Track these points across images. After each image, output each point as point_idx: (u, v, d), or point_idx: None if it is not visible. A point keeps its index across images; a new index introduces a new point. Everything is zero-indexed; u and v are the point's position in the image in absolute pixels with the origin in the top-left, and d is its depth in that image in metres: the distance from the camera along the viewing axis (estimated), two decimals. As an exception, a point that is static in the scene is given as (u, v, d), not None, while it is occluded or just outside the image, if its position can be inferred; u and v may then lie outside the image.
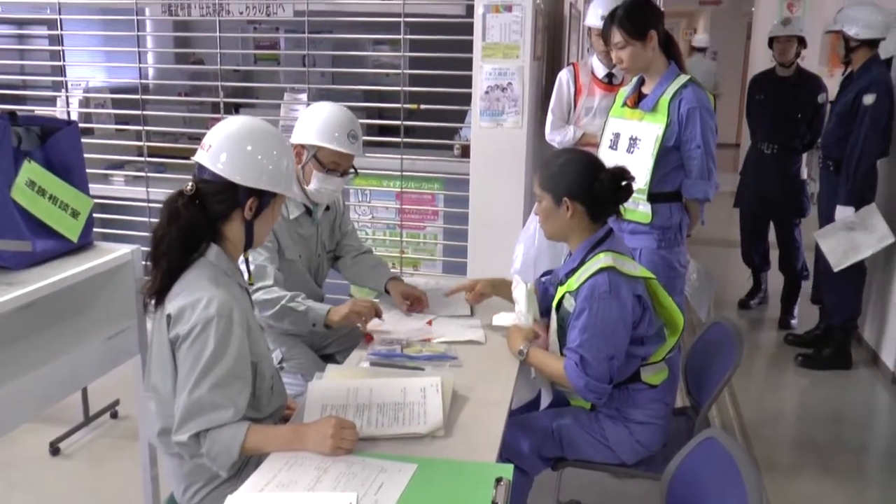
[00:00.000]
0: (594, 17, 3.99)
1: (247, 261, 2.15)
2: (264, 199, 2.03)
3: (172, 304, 1.94)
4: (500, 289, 2.75)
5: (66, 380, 2.60)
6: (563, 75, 4.12)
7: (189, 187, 1.98)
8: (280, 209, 2.16)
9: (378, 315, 2.64)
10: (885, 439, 4.02)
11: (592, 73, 4.06)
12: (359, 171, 2.89)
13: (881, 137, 4.29)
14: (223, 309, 1.90)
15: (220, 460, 1.88)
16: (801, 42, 5.09)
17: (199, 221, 1.98)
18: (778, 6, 9.07)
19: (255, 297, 2.59)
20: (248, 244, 2.08)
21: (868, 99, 4.19)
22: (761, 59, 8.08)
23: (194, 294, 1.92)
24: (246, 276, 2.16)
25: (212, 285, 1.94)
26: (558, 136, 4.08)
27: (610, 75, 4.01)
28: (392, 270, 3.10)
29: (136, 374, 2.94)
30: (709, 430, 1.97)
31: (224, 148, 1.98)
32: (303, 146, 2.75)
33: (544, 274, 2.79)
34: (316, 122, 2.73)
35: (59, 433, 3.55)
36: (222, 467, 1.90)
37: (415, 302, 2.84)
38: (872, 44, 4.32)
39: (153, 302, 2.02)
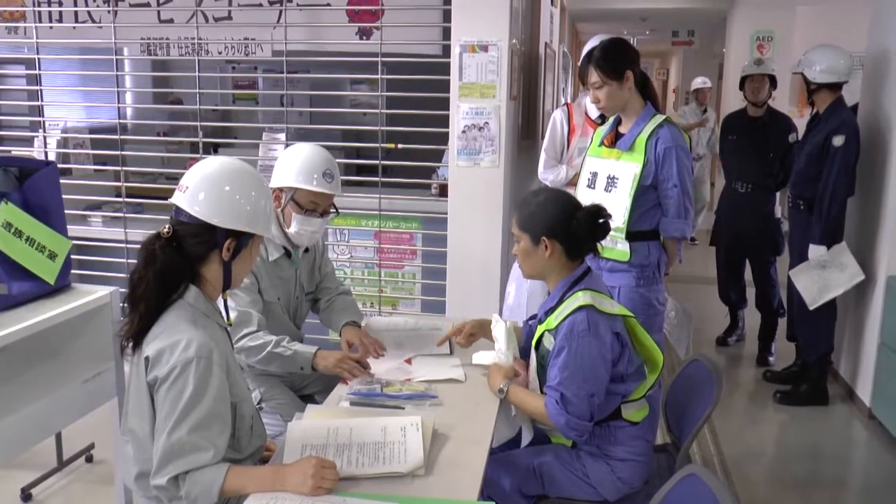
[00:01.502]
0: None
1: (225, 301, 2.14)
2: (242, 240, 2.03)
3: (151, 347, 1.93)
4: (487, 329, 2.76)
5: (41, 424, 2.57)
6: (558, 115, 4.21)
7: (166, 229, 1.98)
8: (258, 250, 2.16)
9: (365, 367, 2.60)
10: (863, 474, 4.04)
11: (586, 113, 4.13)
12: (339, 210, 2.90)
13: (850, 177, 4.38)
14: (202, 350, 1.89)
15: (199, 503, 1.86)
16: (773, 82, 5.19)
17: (177, 264, 1.97)
18: (749, 47, 9.25)
19: (240, 344, 2.59)
20: (227, 285, 2.07)
21: (838, 140, 4.27)
22: (733, 99, 8.23)
23: (173, 336, 1.91)
24: (225, 316, 2.15)
25: (191, 327, 1.93)
26: (551, 175, 4.16)
27: (603, 116, 3.94)
28: (367, 310, 3.09)
29: (112, 417, 2.91)
30: (690, 466, 1.97)
31: (201, 189, 1.98)
32: (281, 189, 2.76)
33: (531, 318, 2.80)
34: (292, 164, 2.74)
35: (31, 478, 3.47)
36: None
37: (362, 348, 2.74)
38: (835, 87, 4.41)
39: (130, 345, 2.00)
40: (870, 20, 4.84)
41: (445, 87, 4.23)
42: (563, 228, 2.38)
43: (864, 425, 4.40)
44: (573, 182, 3.96)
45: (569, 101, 4.14)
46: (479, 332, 2.77)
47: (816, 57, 4.41)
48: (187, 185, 1.99)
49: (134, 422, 2.01)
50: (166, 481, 1.85)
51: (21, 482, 3.43)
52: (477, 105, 4.20)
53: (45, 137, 4.97)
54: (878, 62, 4.60)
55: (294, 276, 2.92)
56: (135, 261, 2.02)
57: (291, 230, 2.78)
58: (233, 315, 2.59)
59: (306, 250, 2.96)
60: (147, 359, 1.93)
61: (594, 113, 4.07)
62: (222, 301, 2.14)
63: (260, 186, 2.08)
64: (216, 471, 1.86)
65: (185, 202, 1.98)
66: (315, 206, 2.76)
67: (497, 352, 2.54)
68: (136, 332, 1.98)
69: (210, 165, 2.04)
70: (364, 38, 4.49)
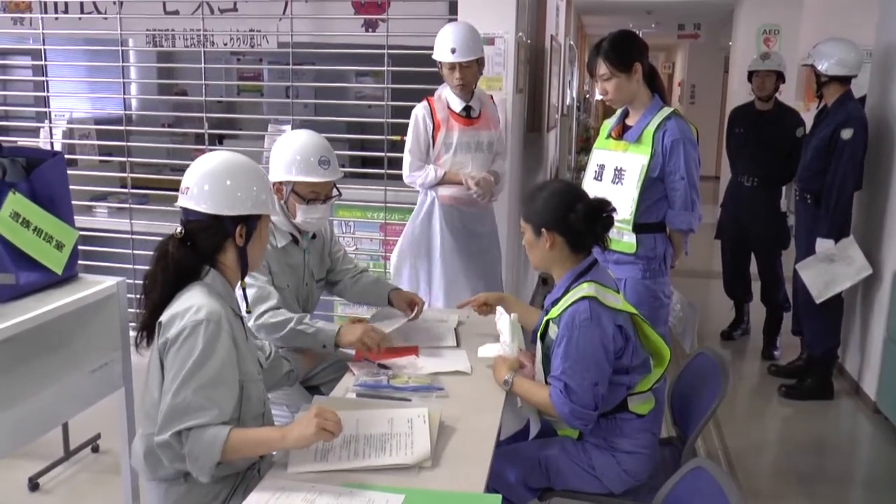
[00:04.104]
0: (443, 52, 3.72)
1: (244, 289, 2.22)
2: (251, 223, 2.11)
3: (165, 314, 2.00)
4: (506, 303, 2.80)
5: (49, 414, 2.57)
6: (419, 111, 3.84)
7: (179, 231, 2.06)
8: (268, 229, 2.22)
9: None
10: (868, 469, 4.03)
11: (448, 107, 3.82)
12: (343, 195, 2.92)
13: (858, 171, 4.37)
14: (213, 315, 1.95)
15: (201, 461, 1.88)
16: (780, 77, 5.16)
17: (189, 261, 2.05)
18: (755, 41, 9.21)
19: (262, 320, 2.61)
20: (244, 269, 2.14)
21: (846, 133, 4.26)
22: (739, 93, 8.19)
23: (186, 303, 1.98)
24: (243, 305, 2.22)
25: (203, 297, 1.99)
26: (419, 179, 3.84)
27: (468, 108, 3.80)
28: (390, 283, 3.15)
29: (119, 408, 2.92)
30: (697, 459, 1.97)
31: (205, 185, 2.05)
32: (280, 183, 2.75)
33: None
34: (285, 156, 2.73)
35: (38, 468, 3.48)
36: (203, 470, 1.89)
37: (414, 307, 2.92)
38: (844, 80, 4.40)
39: (145, 339, 2.06)
40: (878, 13, 4.81)
41: (451, 79, 4.21)
42: (562, 221, 2.38)
43: (870, 420, 4.39)
44: (444, 182, 3.80)
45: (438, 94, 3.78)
46: (494, 303, 2.81)
47: (828, 50, 4.39)
48: (188, 186, 2.07)
49: (147, 397, 2.04)
50: (169, 436, 1.88)
51: (28, 471, 3.44)
52: (483, 97, 4.18)
53: (50, 128, 4.97)
54: (887, 56, 4.58)
55: (303, 263, 2.92)
56: (140, 251, 2.08)
57: (298, 220, 2.79)
58: (252, 292, 2.63)
59: (313, 236, 2.96)
60: (160, 324, 1.99)
61: (457, 106, 3.79)
62: (240, 290, 2.21)
63: (255, 170, 2.16)
64: (219, 429, 1.88)
65: (191, 202, 2.05)
66: (316, 194, 2.76)
67: (502, 344, 2.54)
68: (148, 323, 2.04)
69: (207, 162, 2.11)
70: (370, 30, 4.49)
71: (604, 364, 2.30)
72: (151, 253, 2.09)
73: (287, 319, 2.62)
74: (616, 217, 2.45)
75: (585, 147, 10.44)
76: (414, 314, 2.91)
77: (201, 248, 2.07)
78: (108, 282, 2.77)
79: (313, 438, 1.86)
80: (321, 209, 2.79)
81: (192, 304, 1.97)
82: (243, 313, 2.23)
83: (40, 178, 2.66)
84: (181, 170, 2.23)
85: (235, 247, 2.09)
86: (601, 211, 2.40)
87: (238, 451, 1.90)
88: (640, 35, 3.30)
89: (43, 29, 4.84)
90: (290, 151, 2.73)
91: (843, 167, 4.26)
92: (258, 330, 2.62)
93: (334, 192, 2.83)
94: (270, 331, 2.62)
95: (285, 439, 1.89)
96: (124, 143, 4.82)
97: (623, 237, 3.10)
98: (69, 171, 2.89)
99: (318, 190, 2.75)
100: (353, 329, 2.64)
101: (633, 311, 2.43)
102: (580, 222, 2.36)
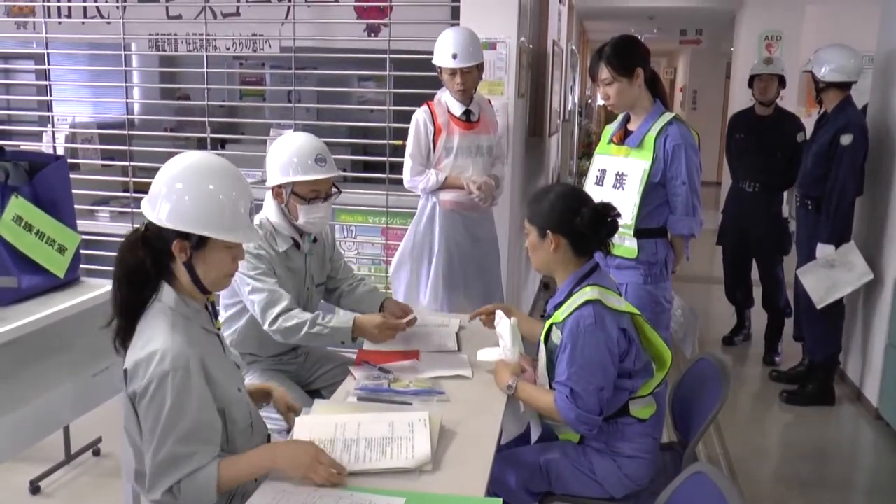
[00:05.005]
0: (444, 57, 3.74)
1: (213, 304, 2.12)
2: (194, 241, 1.93)
3: (128, 358, 1.91)
4: (511, 313, 2.76)
5: (50, 417, 2.58)
6: (420, 116, 3.85)
7: (142, 227, 1.98)
8: (226, 254, 1.99)
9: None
10: (869, 475, 4.03)
11: (449, 111, 3.84)
12: (344, 200, 2.92)
13: (858, 176, 4.37)
14: (178, 361, 1.85)
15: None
16: (781, 81, 5.17)
17: (140, 260, 1.94)
18: (757, 46, 9.22)
19: (275, 325, 2.63)
20: (200, 287, 1.99)
21: (846, 139, 4.26)
22: (740, 98, 8.20)
23: (148, 346, 1.87)
24: (213, 319, 2.12)
25: (168, 333, 1.89)
26: (421, 183, 3.85)
27: (468, 112, 3.83)
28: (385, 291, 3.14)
29: (119, 411, 2.91)
30: (698, 464, 1.97)
31: (153, 186, 1.97)
32: (280, 186, 2.77)
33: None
34: (281, 159, 2.75)
35: (39, 471, 3.48)
36: None
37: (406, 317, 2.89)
38: (843, 86, 4.41)
39: (120, 346, 1.99)
40: (879, 20, 4.82)
41: (454, 84, 4.22)
42: (567, 224, 2.39)
43: (871, 426, 4.39)
44: (445, 186, 3.82)
45: (433, 98, 3.79)
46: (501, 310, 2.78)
47: (826, 56, 4.40)
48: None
49: (128, 425, 1.99)
50: (161, 495, 1.85)
51: (29, 475, 3.45)
52: (485, 102, 4.18)
53: (53, 132, 4.98)
54: (888, 61, 4.58)
55: (304, 267, 2.92)
56: None
57: (300, 221, 2.80)
58: (263, 297, 2.66)
59: (314, 240, 2.97)
60: (125, 371, 1.90)
61: (457, 110, 3.82)
62: (214, 305, 2.14)
63: (205, 186, 1.94)
64: (209, 470, 1.85)
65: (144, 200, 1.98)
66: (316, 193, 2.77)
67: (503, 348, 2.53)
68: (121, 333, 1.97)
69: (168, 166, 2.00)
70: (372, 34, 4.49)
71: (609, 369, 2.31)
72: None
73: (300, 323, 2.65)
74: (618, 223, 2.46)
75: (587, 152, 10.43)
76: (407, 321, 2.86)
77: (155, 251, 1.94)
78: (110, 286, 2.76)
79: (302, 472, 1.85)
80: (322, 208, 2.80)
81: (154, 348, 1.85)
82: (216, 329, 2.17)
83: (43, 181, 2.66)
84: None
85: (182, 261, 1.93)
86: (606, 215, 2.41)
87: (232, 483, 1.89)
88: (643, 40, 3.31)
89: (46, 33, 4.85)
90: (287, 153, 2.74)
91: (843, 173, 4.27)
92: (274, 334, 2.66)
93: (333, 189, 2.84)
94: (286, 335, 2.66)
95: (276, 462, 1.88)
96: (126, 148, 4.82)
97: (624, 242, 3.10)
98: (71, 175, 2.90)
99: (318, 188, 2.77)
100: (370, 325, 2.69)
101: (636, 311, 2.43)
102: (586, 226, 2.37)
